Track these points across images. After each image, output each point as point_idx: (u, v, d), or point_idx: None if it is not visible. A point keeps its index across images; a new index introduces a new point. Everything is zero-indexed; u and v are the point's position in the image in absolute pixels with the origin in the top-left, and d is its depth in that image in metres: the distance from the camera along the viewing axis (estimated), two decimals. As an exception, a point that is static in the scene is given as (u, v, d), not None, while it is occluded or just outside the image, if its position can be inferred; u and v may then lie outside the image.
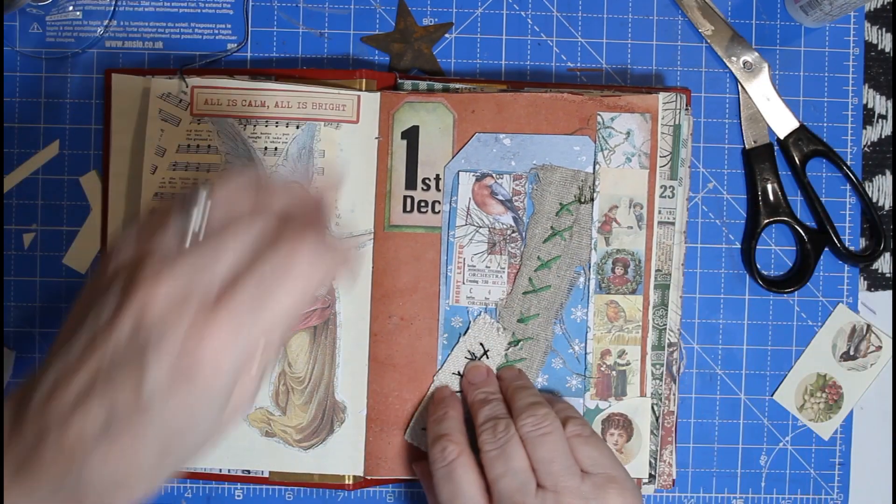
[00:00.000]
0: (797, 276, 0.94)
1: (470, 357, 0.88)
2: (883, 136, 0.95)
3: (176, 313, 0.54)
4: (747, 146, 0.93)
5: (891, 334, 0.95)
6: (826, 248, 0.94)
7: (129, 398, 0.54)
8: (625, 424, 0.88)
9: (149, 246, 0.57)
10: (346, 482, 0.89)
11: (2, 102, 0.92)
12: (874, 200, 0.95)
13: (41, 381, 0.56)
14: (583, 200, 0.88)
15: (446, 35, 0.94)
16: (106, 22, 0.92)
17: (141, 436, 0.55)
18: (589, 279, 0.88)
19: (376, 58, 0.94)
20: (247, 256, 0.57)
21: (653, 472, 0.89)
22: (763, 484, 0.94)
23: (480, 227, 0.88)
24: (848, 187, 0.94)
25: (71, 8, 0.92)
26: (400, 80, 0.90)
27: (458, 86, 0.89)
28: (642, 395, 0.88)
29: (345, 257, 0.61)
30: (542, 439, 0.80)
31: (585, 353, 0.88)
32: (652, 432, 0.89)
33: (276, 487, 0.93)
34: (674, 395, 0.90)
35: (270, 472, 0.88)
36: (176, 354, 0.54)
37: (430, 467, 0.82)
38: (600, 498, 0.78)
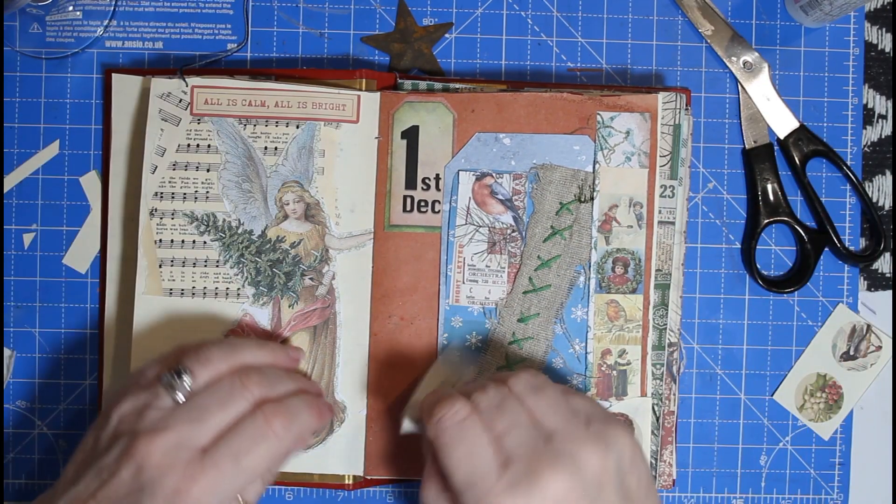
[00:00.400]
0: (797, 276, 0.94)
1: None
2: (883, 136, 0.95)
3: (169, 463, 0.71)
4: (747, 146, 0.94)
5: (891, 334, 0.95)
6: (826, 248, 0.94)
7: None
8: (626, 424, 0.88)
9: (145, 403, 0.74)
10: (346, 482, 0.89)
11: (2, 102, 0.92)
12: (874, 200, 0.95)
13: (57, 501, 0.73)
14: (583, 199, 0.88)
15: (446, 35, 0.94)
16: (106, 22, 0.92)
17: None
18: (589, 278, 0.88)
19: (376, 58, 0.94)
20: (228, 418, 0.74)
21: (653, 472, 0.89)
22: (763, 484, 0.94)
23: (480, 226, 0.88)
24: (848, 187, 0.94)
25: (71, 8, 0.92)
26: (400, 80, 0.90)
27: (457, 86, 0.89)
28: (643, 394, 0.88)
29: (317, 419, 0.80)
30: (540, 393, 0.77)
31: (586, 353, 0.88)
32: (653, 432, 0.89)
33: (276, 487, 0.93)
34: (674, 395, 0.90)
35: (270, 472, 0.89)
36: (169, 497, 0.70)
37: (436, 429, 0.75)
38: (609, 436, 0.75)
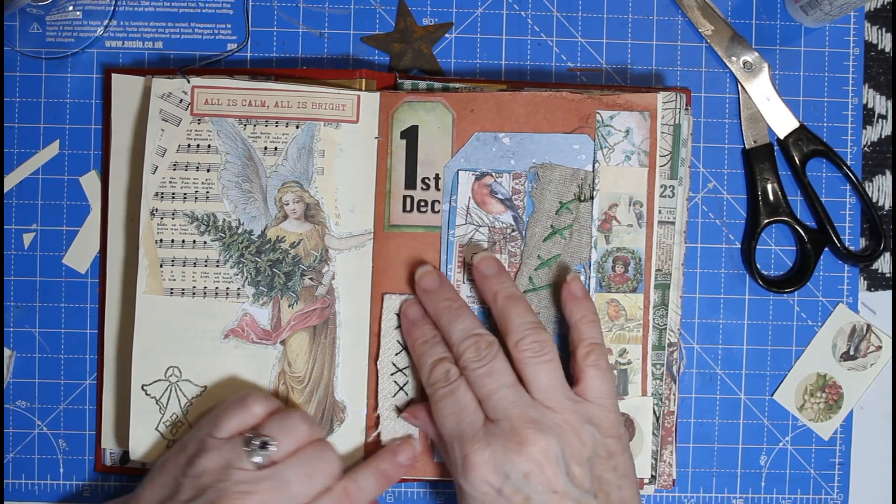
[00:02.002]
0: (797, 276, 0.94)
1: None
2: (883, 136, 0.95)
3: None
4: (747, 146, 0.94)
5: (891, 334, 0.95)
6: (826, 248, 0.94)
7: None
8: (626, 424, 0.88)
9: (228, 462, 0.78)
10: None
11: (2, 102, 0.92)
12: (874, 200, 0.95)
13: None
14: (582, 199, 0.88)
15: (446, 35, 0.94)
16: (106, 22, 0.92)
17: None
18: (589, 277, 0.88)
19: (376, 58, 0.94)
20: (312, 492, 0.80)
21: (654, 473, 0.89)
22: (763, 484, 0.94)
23: (480, 226, 0.88)
24: (848, 187, 0.94)
25: (71, 8, 0.92)
26: (400, 80, 0.90)
27: (457, 85, 0.89)
28: (643, 394, 0.88)
29: (385, 486, 0.86)
30: (542, 366, 0.81)
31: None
32: (653, 432, 0.89)
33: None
34: (674, 394, 0.90)
35: (270, 472, 0.89)
36: None
37: (429, 389, 0.83)
38: (599, 424, 0.81)
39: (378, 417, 0.88)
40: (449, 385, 0.82)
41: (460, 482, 0.80)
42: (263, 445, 0.79)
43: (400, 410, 0.89)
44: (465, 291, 0.88)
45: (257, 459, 0.79)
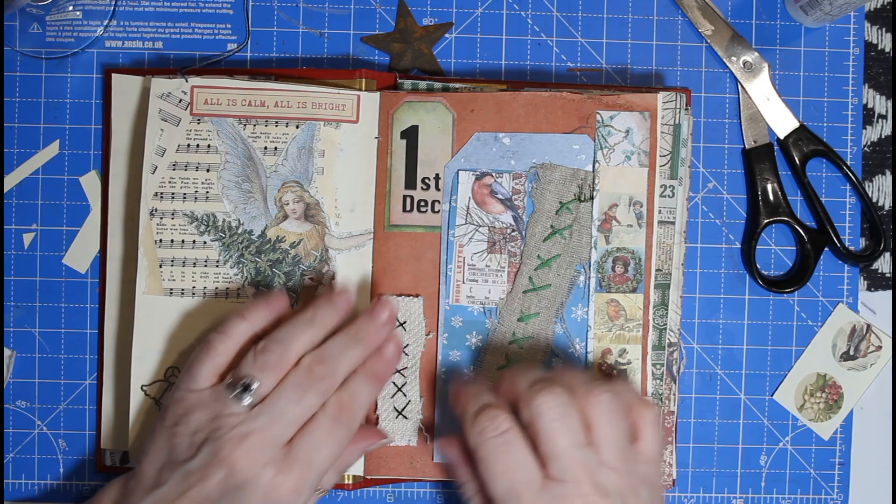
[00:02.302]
0: (797, 276, 0.94)
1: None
2: (883, 136, 0.95)
3: (262, 463, 0.77)
4: (747, 146, 0.94)
5: (891, 334, 0.95)
6: (826, 248, 0.94)
7: None
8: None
9: (217, 412, 0.78)
10: (346, 482, 0.89)
11: (2, 102, 0.92)
12: (874, 200, 0.95)
13: (137, 496, 0.79)
14: (582, 199, 0.88)
15: (446, 35, 0.94)
16: (106, 22, 0.92)
17: None
18: (589, 278, 0.88)
19: (376, 58, 0.94)
20: (304, 412, 0.79)
21: (653, 472, 0.89)
22: (763, 484, 0.94)
23: (480, 226, 0.88)
24: (848, 187, 0.94)
25: (71, 8, 0.92)
26: (400, 80, 0.90)
27: (457, 85, 0.89)
28: (643, 394, 0.88)
29: (378, 388, 0.84)
30: (615, 418, 0.77)
31: (586, 352, 0.88)
32: (652, 432, 0.89)
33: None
34: (674, 394, 0.90)
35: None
36: (267, 492, 0.77)
37: (475, 440, 0.77)
38: (654, 487, 0.78)
39: (378, 418, 0.88)
40: (501, 435, 0.76)
41: None
42: (246, 388, 0.79)
43: (399, 412, 0.88)
44: (466, 291, 0.88)
45: (246, 402, 0.79)
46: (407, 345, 0.88)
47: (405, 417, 0.89)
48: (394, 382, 0.88)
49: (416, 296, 0.88)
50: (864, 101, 0.95)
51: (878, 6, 0.95)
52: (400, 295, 0.88)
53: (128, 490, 0.80)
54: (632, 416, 0.79)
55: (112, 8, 0.93)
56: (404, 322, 0.88)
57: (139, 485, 0.79)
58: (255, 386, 0.79)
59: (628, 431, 0.78)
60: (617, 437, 0.77)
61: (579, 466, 0.75)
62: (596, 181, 0.88)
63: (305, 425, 0.79)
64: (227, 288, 0.88)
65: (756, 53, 0.93)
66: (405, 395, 0.89)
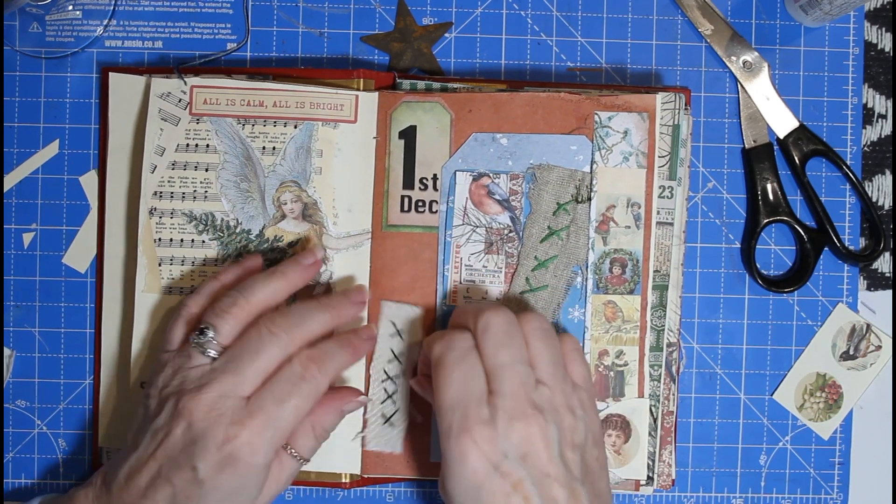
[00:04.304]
0: (797, 276, 0.94)
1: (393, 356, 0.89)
2: (883, 136, 0.95)
3: (217, 414, 0.76)
4: (747, 146, 0.93)
5: (891, 334, 0.95)
6: (826, 248, 0.94)
7: (188, 479, 0.76)
8: (623, 426, 0.88)
9: (181, 364, 0.79)
10: (343, 481, 0.89)
11: (2, 102, 0.92)
12: (874, 200, 0.95)
13: (119, 470, 0.78)
14: (580, 200, 0.88)
15: (446, 35, 0.94)
16: (105, 21, 0.93)
17: None
18: (586, 279, 0.88)
19: (376, 57, 0.94)
20: (264, 365, 0.78)
21: (650, 474, 0.89)
22: (763, 483, 0.94)
23: (477, 226, 0.88)
24: (848, 187, 0.94)
25: (71, 7, 0.92)
26: (399, 80, 0.90)
27: (456, 85, 0.89)
28: (640, 395, 0.88)
29: (352, 355, 0.84)
30: (549, 341, 0.79)
31: (583, 353, 0.88)
32: (650, 433, 0.89)
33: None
34: (673, 394, 0.90)
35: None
36: (220, 444, 0.76)
37: (438, 351, 0.79)
38: (587, 411, 0.80)
39: (366, 422, 0.89)
40: (462, 350, 0.78)
41: (452, 454, 0.75)
42: (202, 332, 0.79)
43: (387, 419, 0.89)
44: (463, 292, 0.88)
45: (211, 352, 0.79)
46: (401, 352, 0.88)
47: (392, 425, 0.89)
48: (385, 389, 0.88)
49: (415, 305, 0.88)
50: (864, 101, 0.95)
51: (878, 6, 0.95)
52: (399, 301, 0.88)
53: (114, 461, 0.81)
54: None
55: (112, 8, 0.93)
56: (401, 329, 0.88)
57: (121, 452, 0.81)
58: (210, 333, 0.79)
59: (560, 356, 0.80)
60: (553, 358, 0.79)
61: (518, 381, 0.77)
62: (593, 182, 0.87)
63: (269, 378, 0.79)
64: (226, 287, 0.88)
65: (756, 53, 0.93)
66: (394, 403, 0.89)
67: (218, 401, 0.77)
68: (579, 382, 0.81)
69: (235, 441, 0.76)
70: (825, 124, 0.94)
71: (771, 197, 0.93)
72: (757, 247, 0.94)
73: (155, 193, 0.88)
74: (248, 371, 0.78)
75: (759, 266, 0.94)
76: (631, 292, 0.88)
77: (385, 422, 0.89)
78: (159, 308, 0.88)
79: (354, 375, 0.88)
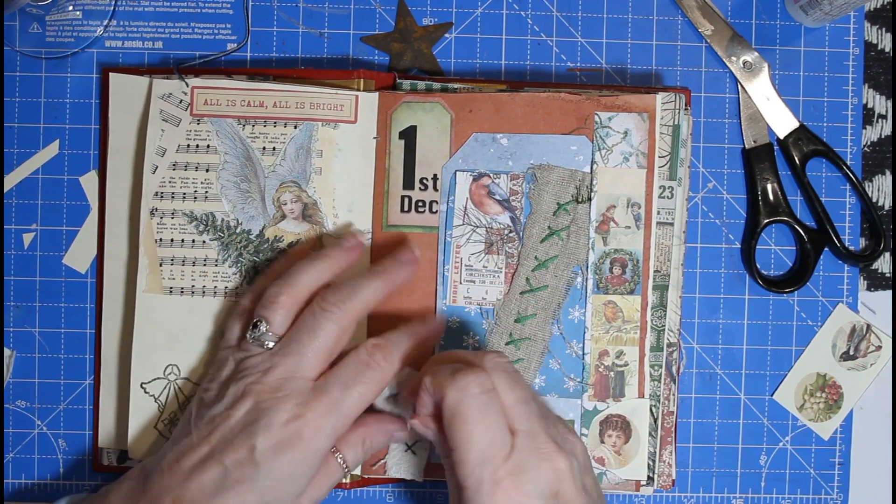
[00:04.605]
0: (797, 276, 0.94)
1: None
2: (883, 136, 0.95)
3: (285, 394, 0.76)
4: (747, 146, 0.93)
5: (891, 334, 0.95)
6: (826, 248, 0.94)
7: (242, 459, 0.75)
8: (623, 426, 0.88)
9: (241, 359, 0.80)
10: (344, 481, 0.89)
11: (2, 102, 0.92)
12: (874, 200, 0.95)
13: (166, 456, 0.78)
14: (580, 200, 0.88)
15: (446, 35, 0.94)
16: (106, 22, 0.93)
17: (249, 489, 0.75)
18: (587, 279, 0.88)
19: (376, 58, 0.94)
20: (325, 343, 0.79)
21: (651, 474, 0.89)
22: (763, 484, 0.94)
23: (477, 226, 0.88)
24: (848, 187, 0.94)
25: (71, 8, 0.92)
26: (399, 80, 0.90)
27: (456, 86, 0.89)
28: (640, 396, 0.88)
29: (415, 342, 0.82)
30: (517, 383, 0.76)
31: (583, 354, 0.88)
32: (650, 434, 0.89)
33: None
34: (673, 395, 0.90)
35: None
36: (287, 422, 0.75)
37: (456, 396, 0.73)
38: (569, 438, 0.77)
39: (387, 450, 0.88)
40: (486, 393, 0.73)
41: None
42: (255, 326, 0.80)
43: (409, 447, 0.88)
44: (463, 292, 0.88)
45: (268, 344, 0.80)
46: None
47: (414, 454, 0.89)
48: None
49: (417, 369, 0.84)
50: (864, 101, 0.95)
51: (878, 6, 0.95)
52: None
53: (158, 454, 0.80)
54: None
55: (112, 8, 0.93)
56: (396, 394, 0.84)
57: (166, 444, 0.80)
58: (263, 326, 0.80)
59: None
60: (530, 392, 0.77)
61: (536, 416, 0.75)
62: (594, 182, 0.87)
63: (335, 364, 0.79)
64: (226, 287, 0.88)
65: (756, 53, 0.93)
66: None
67: (284, 382, 0.77)
68: (550, 415, 0.79)
69: (300, 420, 0.75)
70: (825, 124, 0.94)
71: (771, 197, 0.93)
72: (757, 247, 0.94)
73: (156, 194, 0.88)
74: (307, 351, 0.78)
75: (759, 266, 0.94)
76: (631, 292, 0.88)
77: (407, 449, 0.88)
78: (160, 308, 0.88)
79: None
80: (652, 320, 0.88)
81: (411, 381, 0.81)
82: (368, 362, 0.79)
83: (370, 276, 0.83)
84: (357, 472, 0.88)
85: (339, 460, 0.81)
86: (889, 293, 0.95)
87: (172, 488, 0.76)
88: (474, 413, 0.73)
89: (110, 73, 0.90)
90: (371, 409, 0.82)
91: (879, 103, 0.95)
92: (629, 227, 0.88)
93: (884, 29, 0.95)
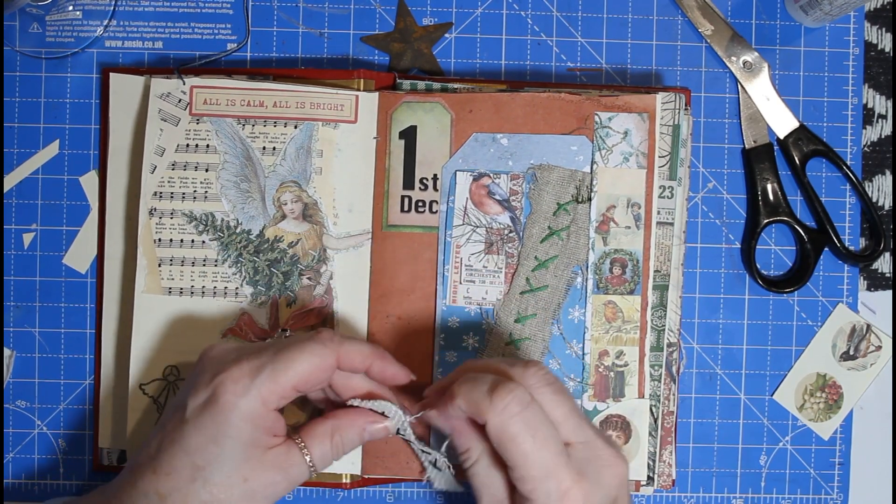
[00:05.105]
0: (797, 276, 0.94)
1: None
2: (883, 136, 0.95)
3: (220, 358, 0.76)
4: (747, 146, 0.93)
5: (891, 334, 0.95)
6: (826, 248, 0.94)
7: (176, 420, 0.75)
8: (623, 426, 0.88)
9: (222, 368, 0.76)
10: (344, 481, 0.89)
11: (2, 102, 0.92)
12: (874, 200, 0.95)
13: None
14: (580, 200, 0.88)
15: (446, 35, 0.94)
16: (106, 22, 0.93)
17: (181, 449, 0.74)
18: (587, 279, 0.88)
19: (376, 58, 0.94)
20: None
21: (651, 474, 0.89)
22: (763, 484, 0.94)
23: (477, 226, 0.88)
24: (848, 187, 0.94)
25: (71, 8, 0.92)
26: (399, 80, 0.90)
27: (456, 86, 0.89)
28: (640, 396, 0.88)
29: (338, 353, 0.78)
30: (562, 393, 0.76)
31: (583, 354, 0.88)
32: (650, 434, 0.89)
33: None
34: (673, 395, 0.90)
35: (269, 472, 0.89)
36: (209, 380, 0.74)
37: (499, 418, 0.72)
38: (615, 444, 0.77)
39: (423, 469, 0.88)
40: (528, 408, 0.73)
41: None
42: None
43: (434, 464, 0.87)
44: (463, 292, 0.88)
45: None
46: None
47: (438, 469, 0.87)
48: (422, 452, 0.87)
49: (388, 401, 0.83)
50: (864, 101, 0.95)
51: (878, 6, 0.95)
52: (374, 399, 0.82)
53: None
54: None
55: (112, 8, 0.93)
56: (382, 412, 0.82)
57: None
58: None
59: None
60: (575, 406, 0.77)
61: (588, 424, 0.75)
62: (594, 182, 0.87)
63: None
64: (226, 287, 0.88)
65: (756, 53, 0.93)
66: (430, 453, 0.86)
67: (232, 350, 0.77)
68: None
69: (224, 374, 0.74)
70: (825, 124, 0.94)
71: (771, 197, 0.93)
72: (757, 247, 0.94)
73: (155, 194, 0.88)
74: (270, 347, 0.77)
75: (759, 266, 0.94)
76: (631, 292, 0.88)
77: (433, 467, 0.87)
78: (159, 309, 0.88)
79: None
80: (652, 320, 0.88)
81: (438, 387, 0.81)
82: (314, 336, 0.77)
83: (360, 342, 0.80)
84: (357, 472, 0.88)
85: (304, 453, 0.77)
86: (889, 293, 0.95)
87: (131, 460, 0.78)
88: (522, 432, 0.72)
89: (110, 73, 0.90)
90: (344, 405, 0.81)
91: (879, 103, 0.95)
92: (629, 227, 0.88)
93: (884, 29, 0.95)
